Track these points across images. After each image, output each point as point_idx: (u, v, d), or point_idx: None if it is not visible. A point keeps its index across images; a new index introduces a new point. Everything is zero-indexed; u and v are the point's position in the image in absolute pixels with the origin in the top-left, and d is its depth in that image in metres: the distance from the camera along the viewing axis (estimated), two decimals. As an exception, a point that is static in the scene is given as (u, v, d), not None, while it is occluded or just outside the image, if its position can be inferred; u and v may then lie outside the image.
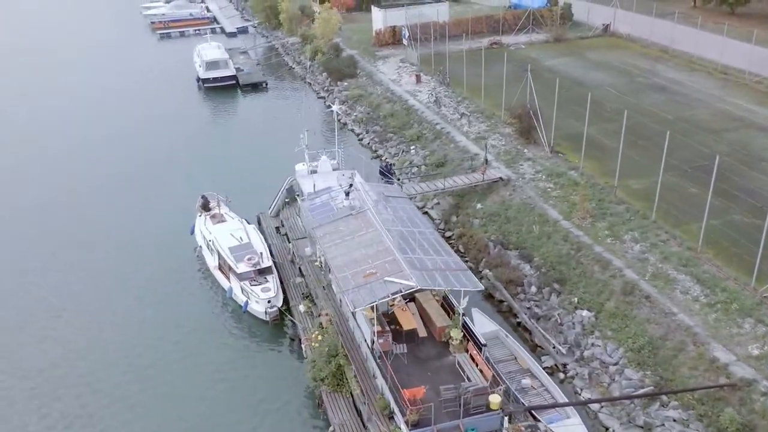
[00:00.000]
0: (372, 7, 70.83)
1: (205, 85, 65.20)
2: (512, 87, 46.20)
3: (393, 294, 25.50)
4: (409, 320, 27.20)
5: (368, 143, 51.66)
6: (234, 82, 65.57)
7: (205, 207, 39.70)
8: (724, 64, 55.68)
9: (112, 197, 45.52)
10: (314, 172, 37.39)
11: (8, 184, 48.24)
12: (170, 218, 41.90)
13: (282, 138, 53.17)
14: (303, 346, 30.12)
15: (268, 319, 32.37)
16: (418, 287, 25.43)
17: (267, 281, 33.37)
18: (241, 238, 35.54)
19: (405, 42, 62.14)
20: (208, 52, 66.76)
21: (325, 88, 62.60)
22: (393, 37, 66.86)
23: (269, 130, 56.35)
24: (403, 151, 47.87)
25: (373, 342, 26.24)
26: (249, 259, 33.76)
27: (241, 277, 33.34)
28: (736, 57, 54.97)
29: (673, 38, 60.44)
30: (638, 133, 41.94)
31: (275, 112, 60.10)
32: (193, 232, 39.46)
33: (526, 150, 43.45)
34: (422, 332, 27.18)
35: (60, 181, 48.03)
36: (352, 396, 26.87)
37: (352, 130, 54.38)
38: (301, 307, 32.22)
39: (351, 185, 31.69)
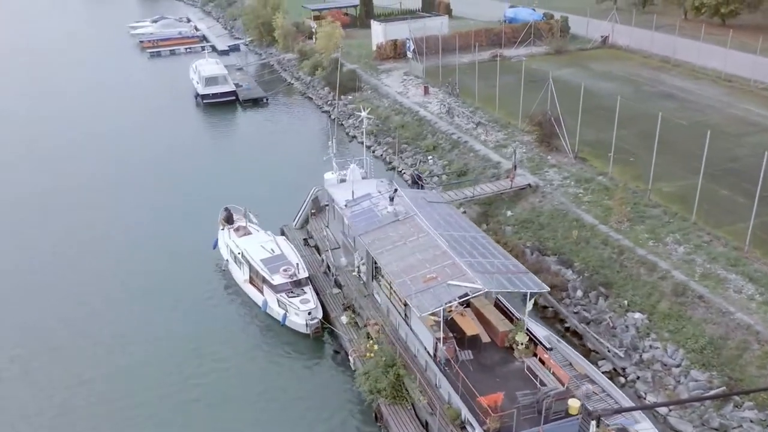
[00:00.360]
0: (371, 21, 70.49)
1: (205, 101, 63.96)
2: (526, 97, 46.05)
3: (460, 298, 24.55)
4: (470, 326, 26.24)
5: (381, 155, 50.90)
6: (234, 97, 64.51)
7: (229, 220, 38.45)
8: (728, 72, 56.14)
9: (129, 214, 43.97)
10: (343, 180, 36.42)
11: (36, 209, 46.16)
12: (190, 233, 40.60)
13: (292, 152, 52.54)
14: (351, 357, 28.96)
15: (309, 331, 31.13)
16: (485, 290, 24.52)
17: (305, 293, 32.18)
18: (272, 249, 34.34)
19: (409, 55, 61.66)
20: (206, 68, 65.63)
21: (328, 102, 61.84)
22: (394, 51, 66.38)
23: (277, 143, 55.36)
24: (420, 161, 47.15)
25: (436, 349, 25.18)
26: (285, 270, 32.54)
27: (277, 289, 32.10)
28: (739, 66, 55.53)
29: (675, 48, 60.93)
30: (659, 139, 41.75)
31: (281, 126, 59.13)
32: (216, 246, 38.13)
33: (549, 157, 43.01)
34: (484, 338, 26.19)
35: (76, 200, 46.29)
36: (413, 407, 25.71)
37: (362, 143, 53.39)
38: (344, 319, 31.09)
39: (396, 190, 30.78)
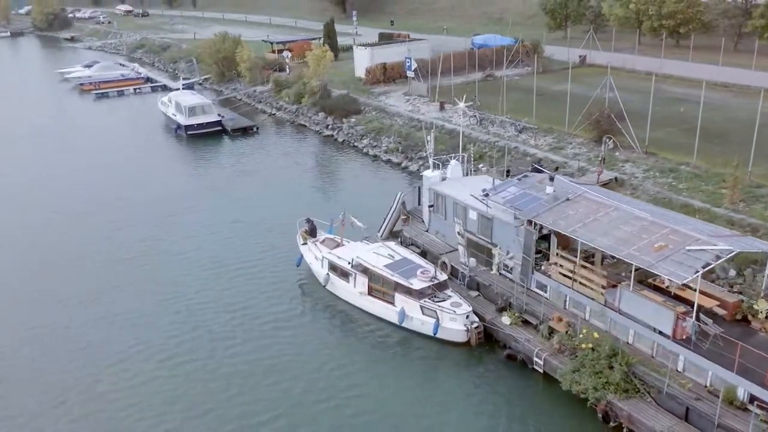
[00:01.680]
0: (354, 48, 68.16)
1: (189, 132, 58.39)
2: (547, 106, 47.12)
3: (716, 261, 21.63)
4: (703, 297, 23.24)
5: (417, 169, 47.57)
6: (219, 128, 59.29)
7: (313, 233, 33.73)
8: (721, 80, 57.87)
9: (194, 249, 37.63)
10: (444, 179, 33.13)
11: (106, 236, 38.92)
12: (262, 258, 35.62)
13: (311, 175, 48.38)
14: (537, 359, 25.08)
15: (468, 338, 26.95)
16: (735, 251, 21.80)
17: (451, 296, 28.08)
18: (390, 255, 30.09)
19: (410, 74, 59.36)
20: (186, 99, 60.32)
21: (328, 126, 58.06)
22: (384, 75, 64.03)
23: (291, 168, 50.79)
24: (472, 170, 44.20)
25: (675, 326, 22.00)
26: (423, 274, 28.34)
27: (419, 295, 27.78)
28: (729, 75, 57.55)
29: (662, 63, 62.49)
30: (708, 133, 41.42)
31: (285, 152, 54.52)
32: (300, 263, 33.17)
33: (617, 153, 41.52)
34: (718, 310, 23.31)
35: (114, 234, 39.84)
36: (652, 397, 22.21)
37: (389, 161, 50.10)
38: (505, 320, 27.16)
39: (557, 168, 27.74)
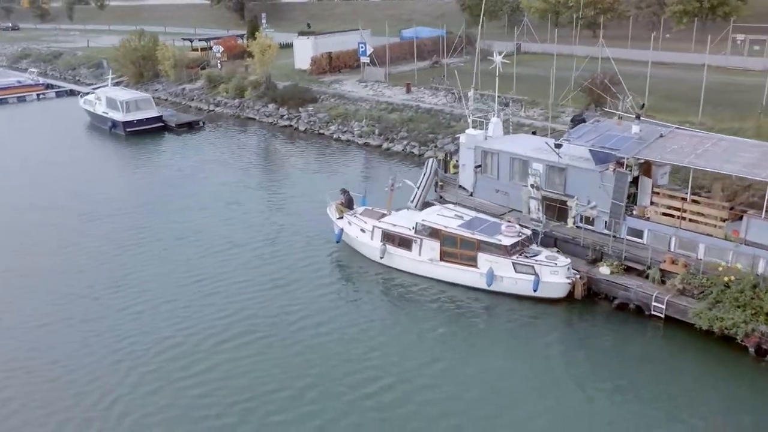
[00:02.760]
0: (294, 39, 64.81)
1: (128, 129, 52.47)
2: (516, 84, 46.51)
3: None
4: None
5: (403, 149, 45.09)
6: (161, 124, 53.80)
7: (350, 205, 30.40)
8: (656, 61, 59.81)
9: (221, 243, 33.20)
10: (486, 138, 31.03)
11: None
12: (286, 239, 31.79)
13: (293, 162, 44.77)
14: (657, 304, 23.26)
15: (571, 291, 24.74)
16: None
17: (540, 250, 25.79)
18: (457, 216, 27.43)
19: (365, 60, 56.79)
20: (120, 94, 54.40)
21: (284, 116, 54.21)
22: (329, 64, 61.05)
23: (261, 156, 46.79)
24: (452, 150, 42.38)
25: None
26: (508, 229, 25.84)
27: (511, 251, 25.25)
28: (663, 56, 59.70)
29: (600, 49, 63.78)
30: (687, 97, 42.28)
31: (245, 144, 49.99)
32: (340, 239, 29.67)
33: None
34: None
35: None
36: (808, 324, 20.97)
37: (366, 144, 47.21)
38: (605, 270, 25.18)
39: (643, 105, 26.25)
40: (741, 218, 23.10)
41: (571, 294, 25.02)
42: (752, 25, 60.95)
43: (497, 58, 32.09)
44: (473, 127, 31.86)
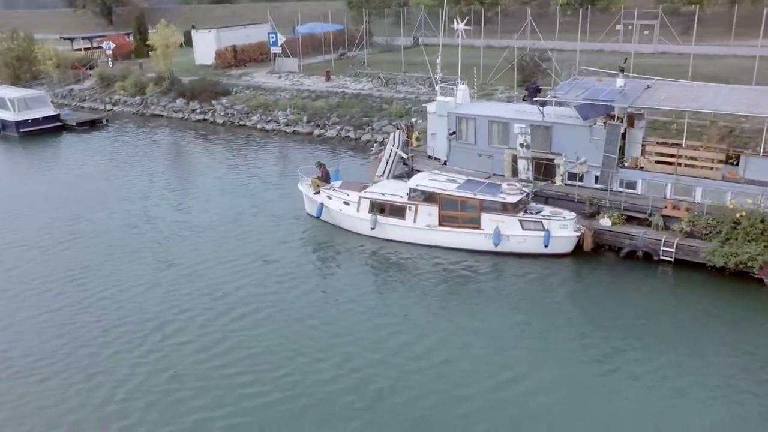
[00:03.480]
0: (194, 34, 61.35)
1: (21, 130, 47.25)
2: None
3: None
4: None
5: (337, 134, 43.71)
6: (58, 123, 48.95)
7: (327, 179, 28.85)
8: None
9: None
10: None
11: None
12: (258, 221, 29.44)
13: (220, 156, 42.08)
14: (666, 248, 23.65)
15: (580, 242, 24.65)
16: None
17: (541, 207, 25.54)
18: (449, 180, 26.73)
19: (276, 50, 54.82)
20: (9, 92, 49.08)
21: (197, 110, 51.05)
22: (234, 58, 58.46)
23: (184, 151, 43.61)
24: (413, 122, 41.71)
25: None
26: (510, 186, 25.36)
27: (517, 208, 24.79)
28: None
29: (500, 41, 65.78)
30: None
31: (160, 140, 46.32)
32: (320, 214, 27.99)
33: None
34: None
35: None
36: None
37: (296, 132, 45.37)
38: (606, 222, 25.33)
39: (626, 59, 26.66)
40: (733, 160, 23.90)
41: (579, 247, 24.82)
42: (641, 11, 64.70)
43: (459, 26, 31.57)
44: (441, 95, 31.09)
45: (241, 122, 48.37)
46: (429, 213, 25.78)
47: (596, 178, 26.56)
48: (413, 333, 20.35)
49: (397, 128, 32.72)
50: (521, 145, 27.31)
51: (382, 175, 30.81)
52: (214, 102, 50.83)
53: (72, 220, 30.43)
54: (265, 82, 53.23)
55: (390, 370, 18.50)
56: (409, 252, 26.01)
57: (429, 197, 25.87)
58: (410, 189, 26.33)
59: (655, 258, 24.03)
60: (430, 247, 25.97)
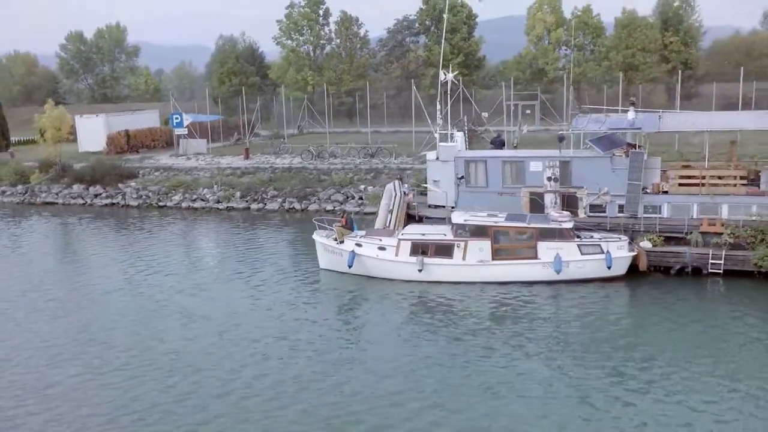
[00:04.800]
0: (78, 119, 56.18)
1: None
2: None
3: None
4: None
5: (280, 207, 41.54)
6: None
7: (351, 227, 27.09)
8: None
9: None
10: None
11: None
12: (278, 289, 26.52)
13: (155, 242, 38.42)
14: (714, 261, 24.70)
15: (636, 262, 24.98)
16: None
17: (588, 233, 25.71)
18: (490, 214, 26.28)
19: (180, 132, 51.77)
20: None
21: (101, 195, 46.11)
22: (128, 143, 54.36)
23: (129, 235, 38.63)
24: (362, 191, 40.93)
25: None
26: (561, 214, 25.37)
27: (572, 235, 24.79)
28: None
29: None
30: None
31: (71, 230, 40.74)
32: (352, 264, 25.92)
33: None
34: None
35: None
36: None
37: (231, 208, 42.40)
38: (646, 244, 26.00)
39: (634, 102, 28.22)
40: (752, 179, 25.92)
41: (634, 268, 25.00)
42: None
43: (449, 76, 31.82)
44: (442, 141, 30.75)
45: (161, 203, 44.29)
46: (480, 248, 24.76)
47: (619, 207, 27.29)
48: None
49: (395, 179, 31.69)
50: (549, 178, 27.52)
51: (388, 227, 29.35)
52: (120, 185, 46.27)
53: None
54: (175, 163, 49.74)
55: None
56: (460, 292, 24.52)
57: (479, 232, 24.91)
58: (456, 225, 25.23)
59: (705, 272, 24.82)
60: (482, 283, 24.76)
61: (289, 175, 44.60)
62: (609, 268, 24.26)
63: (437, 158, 30.49)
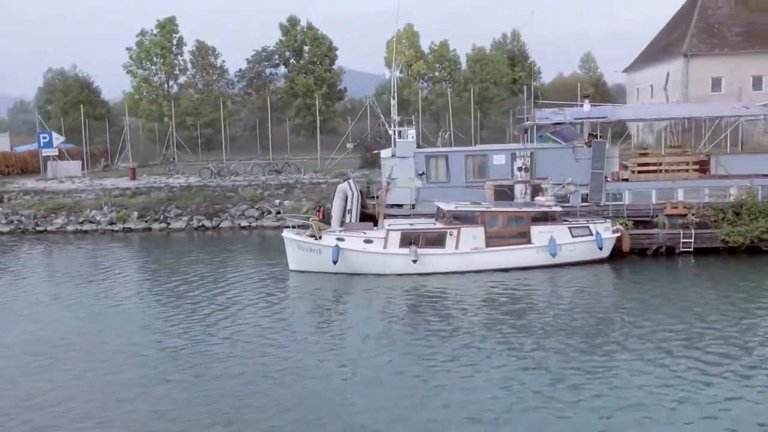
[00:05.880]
0: None
1: None
2: None
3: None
4: None
5: (187, 226, 37.99)
6: None
7: (328, 221, 25.21)
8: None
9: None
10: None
11: None
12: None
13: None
14: (685, 239, 25.87)
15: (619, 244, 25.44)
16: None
17: (567, 219, 25.87)
18: (473, 203, 25.68)
19: (50, 152, 46.02)
20: None
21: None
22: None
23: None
24: (277, 205, 38.58)
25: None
26: (547, 198, 25.34)
27: (562, 217, 24.80)
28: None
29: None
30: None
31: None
32: (338, 259, 23.89)
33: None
34: None
35: None
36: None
37: (127, 230, 37.96)
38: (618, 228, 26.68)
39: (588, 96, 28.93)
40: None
41: (618, 249, 25.33)
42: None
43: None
44: (396, 141, 29.59)
45: (39, 227, 38.54)
46: (474, 235, 23.83)
47: (583, 196, 27.76)
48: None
49: (345, 179, 29.95)
50: (519, 168, 27.37)
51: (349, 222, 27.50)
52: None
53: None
54: (47, 186, 43.78)
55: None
56: (454, 282, 23.32)
57: (470, 218, 23.98)
58: (447, 213, 24.11)
59: (677, 251, 25.78)
60: (477, 272, 23.76)
61: (190, 193, 40.91)
62: (600, 249, 24.35)
63: (393, 155, 29.29)
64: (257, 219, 38.06)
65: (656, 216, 26.83)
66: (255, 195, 39.90)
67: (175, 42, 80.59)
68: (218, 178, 43.43)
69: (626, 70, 74.45)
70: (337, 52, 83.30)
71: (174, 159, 48.63)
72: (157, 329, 19.64)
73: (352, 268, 24.03)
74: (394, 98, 30.16)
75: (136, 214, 38.83)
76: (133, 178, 44.61)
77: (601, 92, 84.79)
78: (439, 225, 24.20)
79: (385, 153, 29.82)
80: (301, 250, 24.63)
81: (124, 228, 38.06)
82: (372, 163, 44.01)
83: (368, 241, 23.95)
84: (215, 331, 19.09)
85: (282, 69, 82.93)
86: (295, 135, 76.67)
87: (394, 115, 29.72)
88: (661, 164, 27.80)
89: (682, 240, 25.85)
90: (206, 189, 41.65)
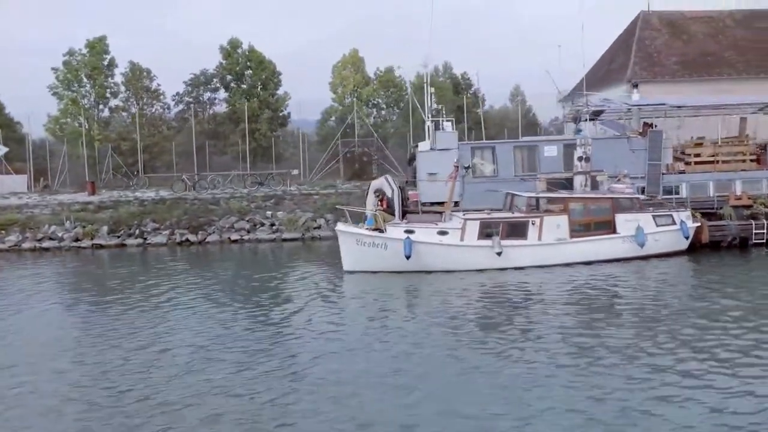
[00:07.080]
0: None
1: None
2: None
3: None
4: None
5: (169, 240, 33.67)
6: None
7: (393, 211, 22.25)
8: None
9: None
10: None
11: None
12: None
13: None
14: (757, 230, 24.47)
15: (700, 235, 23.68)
16: None
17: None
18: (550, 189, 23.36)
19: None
20: None
21: None
22: None
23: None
24: (270, 217, 35.01)
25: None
26: (626, 185, 23.28)
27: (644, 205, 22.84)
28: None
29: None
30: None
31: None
32: (410, 255, 20.73)
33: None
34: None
35: None
36: None
37: (97, 246, 33.18)
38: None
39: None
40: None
41: (695, 242, 23.47)
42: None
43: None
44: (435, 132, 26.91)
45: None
46: (558, 225, 21.26)
47: (640, 189, 25.91)
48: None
49: (381, 175, 26.90)
50: (580, 158, 25.13)
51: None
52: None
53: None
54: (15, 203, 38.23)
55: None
56: (540, 277, 20.53)
57: (553, 206, 21.49)
58: (528, 200, 21.47)
59: (750, 243, 24.25)
60: (561, 265, 21.15)
61: (165, 207, 36.48)
62: (687, 238, 22.37)
63: (432, 148, 26.52)
64: (249, 231, 34.16)
65: (721, 208, 25.28)
66: (242, 207, 36.01)
67: (106, 63, 75.24)
68: (194, 191, 39.14)
69: (561, 101, 75.05)
70: (281, 77, 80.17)
71: (138, 172, 43.70)
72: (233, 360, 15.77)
73: (422, 265, 20.82)
74: (428, 88, 27.52)
75: (106, 228, 34.02)
76: (93, 193, 39.55)
77: (531, 122, 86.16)
78: (517, 214, 21.52)
79: (423, 146, 27.02)
80: (360, 246, 21.14)
81: (93, 245, 33.14)
82: (358, 175, 41.28)
83: (443, 233, 20.88)
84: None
85: (222, 93, 78.92)
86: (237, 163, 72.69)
87: (434, 104, 27.09)
88: (717, 155, 26.44)
89: (754, 231, 24.34)
90: (183, 202, 37.33)
